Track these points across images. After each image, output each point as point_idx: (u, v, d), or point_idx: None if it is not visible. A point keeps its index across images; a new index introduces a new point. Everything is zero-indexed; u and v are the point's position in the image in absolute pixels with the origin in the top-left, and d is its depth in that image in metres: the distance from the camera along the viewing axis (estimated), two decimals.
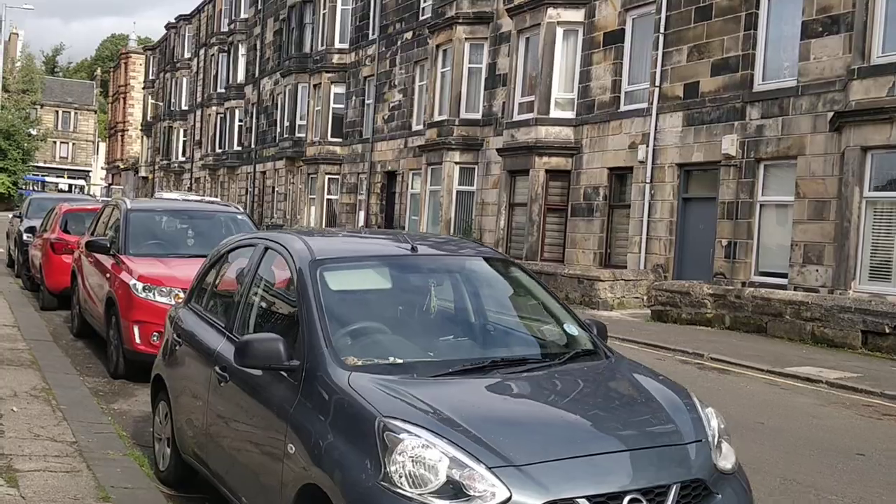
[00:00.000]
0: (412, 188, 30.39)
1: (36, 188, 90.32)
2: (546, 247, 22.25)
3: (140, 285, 8.56)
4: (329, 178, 36.51)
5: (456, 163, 26.23)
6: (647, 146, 19.29)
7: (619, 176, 20.60)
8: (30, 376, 8.18)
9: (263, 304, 4.87)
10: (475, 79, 26.26)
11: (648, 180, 19.27)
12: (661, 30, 19.11)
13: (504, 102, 24.56)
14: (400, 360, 3.91)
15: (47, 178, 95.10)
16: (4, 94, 66.65)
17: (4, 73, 65.56)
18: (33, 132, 72.26)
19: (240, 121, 50.12)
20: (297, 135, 39.89)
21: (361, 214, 34.03)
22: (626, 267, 19.59)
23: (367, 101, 34.24)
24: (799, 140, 15.84)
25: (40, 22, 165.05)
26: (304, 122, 39.44)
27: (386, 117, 32.33)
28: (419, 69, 30.42)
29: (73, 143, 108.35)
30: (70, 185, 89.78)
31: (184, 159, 63.65)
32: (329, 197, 36.57)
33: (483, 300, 4.66)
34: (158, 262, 9.13)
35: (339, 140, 36.01)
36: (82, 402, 7.48)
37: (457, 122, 26.16)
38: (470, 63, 26.25)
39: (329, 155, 36.23)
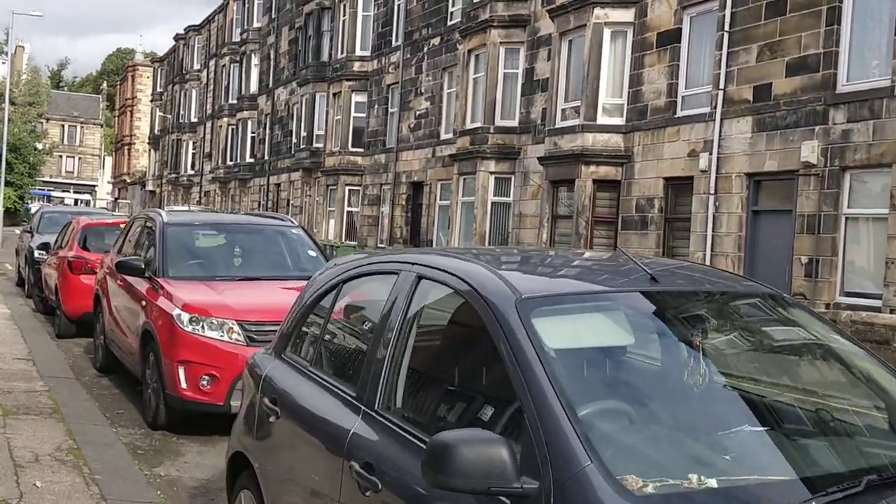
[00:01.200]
0: (441, 199, 28.88)
1: (42, 203, 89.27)
2: None
3: (186, 316, 7.00)
4: (350, 190, 35.01)
5: (491, 172, 24.71)
6: (711, 154, 17.74)
7: (677, 186, 19.04)
8: (52, 430, 6.64)
9: (425, 368, 3.26)
10: (511, 84, 24.78)
11: (712, 191, 17.70)
12: (726, 28, 17.59)
13: (544, 109, 23.07)
14: (712, 482, 2.29)
15: (53, 193, 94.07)
16: (10, 107, 65.31)
17: (10, 86, 64.23)
18: (39, 146, 70.93)
19: (252, 132, 48.71)
20: (315, 145, 38.45)
21: (385, 226, 32.51)
22: None
23: (390, 110, 32.77)
24: (894, 146, 14.29)
25: (46, 40, 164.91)
26: (321, 133, 38.03)
27: (412, 126, 30.84)
28: (448, 76, 28.96)
29: (79, 158, 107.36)
30: (76, 200, 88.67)
31: (193, 172, 62.31)
32: (349, 209, 35.07)
33: (767, 363, 3.06)
34: (204, 287, 7.58)
35: (361, 150, 34.53)
36: (121, 468, 5.93)
37: (492, 130, 24.66)
38: (505, 68, 24.77)
39: (349, 165, 34.74)
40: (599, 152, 20.41)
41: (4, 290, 17.69)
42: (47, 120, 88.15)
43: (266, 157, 46.38)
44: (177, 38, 66.90)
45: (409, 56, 31.25)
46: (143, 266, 7.95)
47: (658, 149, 19.28)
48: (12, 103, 66.91)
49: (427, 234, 29.48)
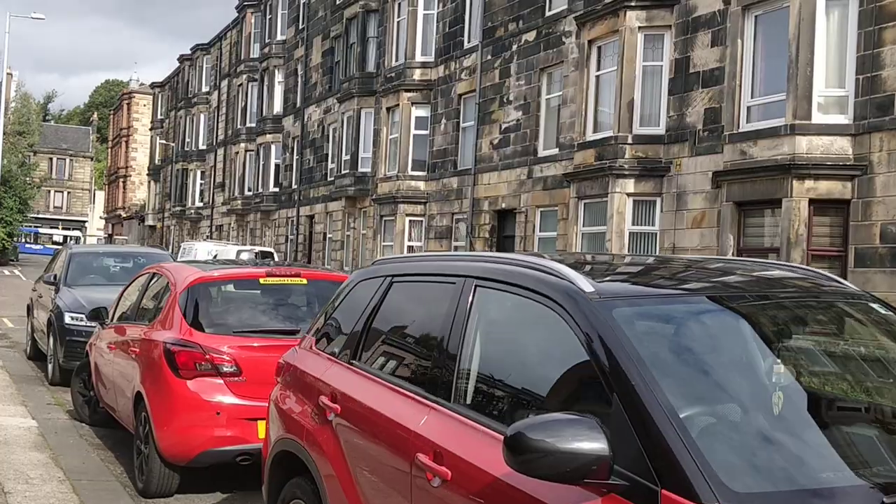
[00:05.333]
0: (542, 230, 23.48)
1: (28, 240, 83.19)
2: None
3: None
4: (411, 221, 29.52)
5: (629, 194, 19.32)
6: None
7: None
8: None
9: None
10: (651, 81, 19.50)
11: None
12: None
13: (709, 108, 17.84)
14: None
15: (41, 230, 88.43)
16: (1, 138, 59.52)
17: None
18: (29, 179, 65.21)
19: (277, 158, 43.24)
20: (361, 169, 33.07)
21: None
22: None
23: (463, 124, 27.45)
24: None
25: (38, 77, 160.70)
26: (367, 155, 32.72)
27: (495, 142, 25.49)
28: (546, 78, 23.70)
29: (69, 192, 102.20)
30: (65, 237, 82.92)
31: (201, 204, 56.77)
32: (410, 244, 29.56)
33: None
34: None
35: (423, 173, 29.14)
36: None
37: (629, 140, 19.32)
38: (644, 60, 19.48)
39: (410, 192, 29.30)
40: (819, 161, 15.09)
41: (12, 370, 11.92)
42: (35, 153, 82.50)
43: (294, 186, 40.92)
44: (181, 59, 61.51)
45: (489, 58, 25.98)
46: (608, 455, 2.26)
47: None
48: (4, 133, 61.21)
49: None
